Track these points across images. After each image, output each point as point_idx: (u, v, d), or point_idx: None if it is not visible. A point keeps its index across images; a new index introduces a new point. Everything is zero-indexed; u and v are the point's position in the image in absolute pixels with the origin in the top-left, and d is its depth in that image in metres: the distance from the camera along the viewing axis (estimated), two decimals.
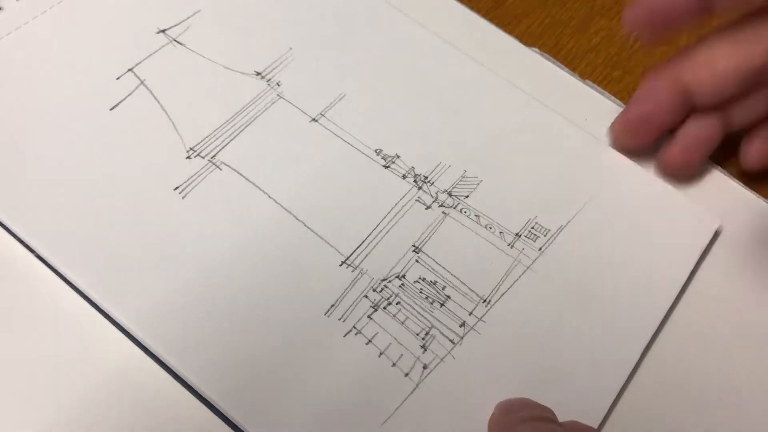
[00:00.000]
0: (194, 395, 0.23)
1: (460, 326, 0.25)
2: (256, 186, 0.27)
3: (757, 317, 0.26)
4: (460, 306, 0.25)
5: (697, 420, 0.24)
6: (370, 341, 0.24)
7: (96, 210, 0.25)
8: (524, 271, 0.26)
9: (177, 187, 0.26)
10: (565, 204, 0.28)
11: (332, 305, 0.24)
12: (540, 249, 0.26)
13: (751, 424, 0.24)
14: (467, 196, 0.27)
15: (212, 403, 0.22)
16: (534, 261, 0.26)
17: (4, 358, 0.23)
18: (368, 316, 0.24)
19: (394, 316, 0.24)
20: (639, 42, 0.35)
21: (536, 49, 0.33)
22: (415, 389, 0.23)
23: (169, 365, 0.23)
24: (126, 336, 0.23)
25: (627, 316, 0.25)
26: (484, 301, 0.25)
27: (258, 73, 0.30)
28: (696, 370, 0.25)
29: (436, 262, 0.26)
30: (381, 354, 0.24)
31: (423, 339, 0.24)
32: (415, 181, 0.28)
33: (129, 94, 0.28)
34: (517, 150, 0.29)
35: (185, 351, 0.23)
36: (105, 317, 0.24)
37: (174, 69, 0.29)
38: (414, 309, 0.25)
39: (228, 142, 0.28)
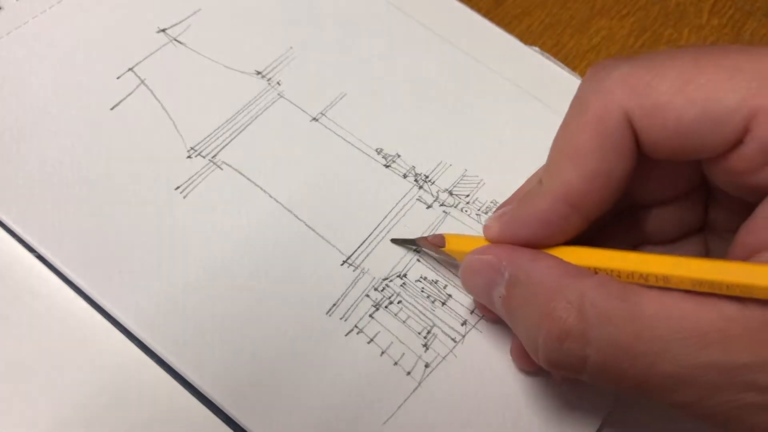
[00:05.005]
0: (194, 395, 0.23)
1: (462, 325, 0.24)
2: (257, 185, 0.27)
3: None
4: (462, 304, 0.25)
5: None
6: (371, 340, 0.24)
7: (96, 209, 0.25)
8: None
9: (178, 187, 0.26)
10: None
11: (334, 304, 0.24)
12: None
13: None
14: (468, 195, 0.27)
15: (213, 402, 0.22)
16: None
17: (4, 358, 0.23)
18: (370, 315, 0.24)
19: (395, 315, 0.24)
20: (639, 43, 0.35)
21: (537, 49, 0.33)
22: (416, 388, 0.23)
23: (170, 364, 0.23)
24: (126, 336, 0.23)
25: None
26: None
27: (258, 73, 0.30)
28: None
29: (438, 261, 0.26)
30: (383, 353, 0.24)
31: (425, 338, 0.24)
32: (415, 180, 0.28)
33: (129, 94, 0.28)
34: (517, 149, 0.29)
35: (186, 350, 0.23)
36: (105, 317, 0.24)
37: (174, 68, 0.29)
38: (415, 308, 0.25)
39: (229, 142, 0.27)
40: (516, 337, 0.23)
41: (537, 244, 0.20)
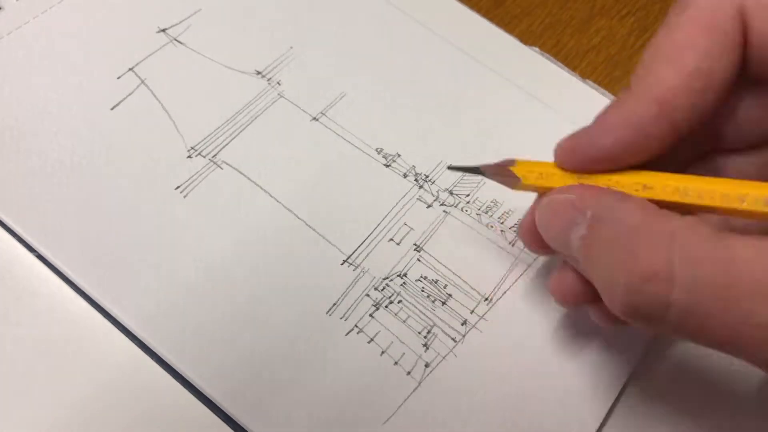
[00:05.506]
0: (194, 395, 0.23)
1: (462, 324, 0.24)
2: (257, 185, 0.27)
3: None
4: (462, 304, 0.25)
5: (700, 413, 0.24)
6: (371, 340, 0.24)
7: (97, 209, 0.25)
8: (525, 270, 0.26)
9: (178, 187, 0.26)
10: None
11: (334, 304, 0.24)
12: None
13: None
14: (468, 195, 0.27)
15: (213, 401, 0.22)
16: (535, 259, 0.26)
17: (4, 358, 0.23)
18: (370, 315, 0.24)
19: (395, 314, 0.24)
20: (639, 43, 0.35)
21: (536, 49, 0.33)
22: (417, 388, 0.23)
23: (170, 364, 0.23)
24: (126, 336, 0.23)
25: None
26: (486, 299, 0.25)
27: (258, 72, 0.30)
28: (697, 368, 0.25)
29: (438, 261, 0.26)
30: (383, 353, 0.24)
31: (425, 337, 0.24)
32: (416, 179, 0.28)
33: (129, 94, 0.28)
34: (517, 149, 0.29)
35: (186, 350, 0.23)
36: (105, 317, 0.24)
37: (174, 68, 0.29)
38: (416, 307, 0.25)
39: (229, 142, 0.27)
40: (560, 271, 0.21)
41: (615, 159, 0.18)
